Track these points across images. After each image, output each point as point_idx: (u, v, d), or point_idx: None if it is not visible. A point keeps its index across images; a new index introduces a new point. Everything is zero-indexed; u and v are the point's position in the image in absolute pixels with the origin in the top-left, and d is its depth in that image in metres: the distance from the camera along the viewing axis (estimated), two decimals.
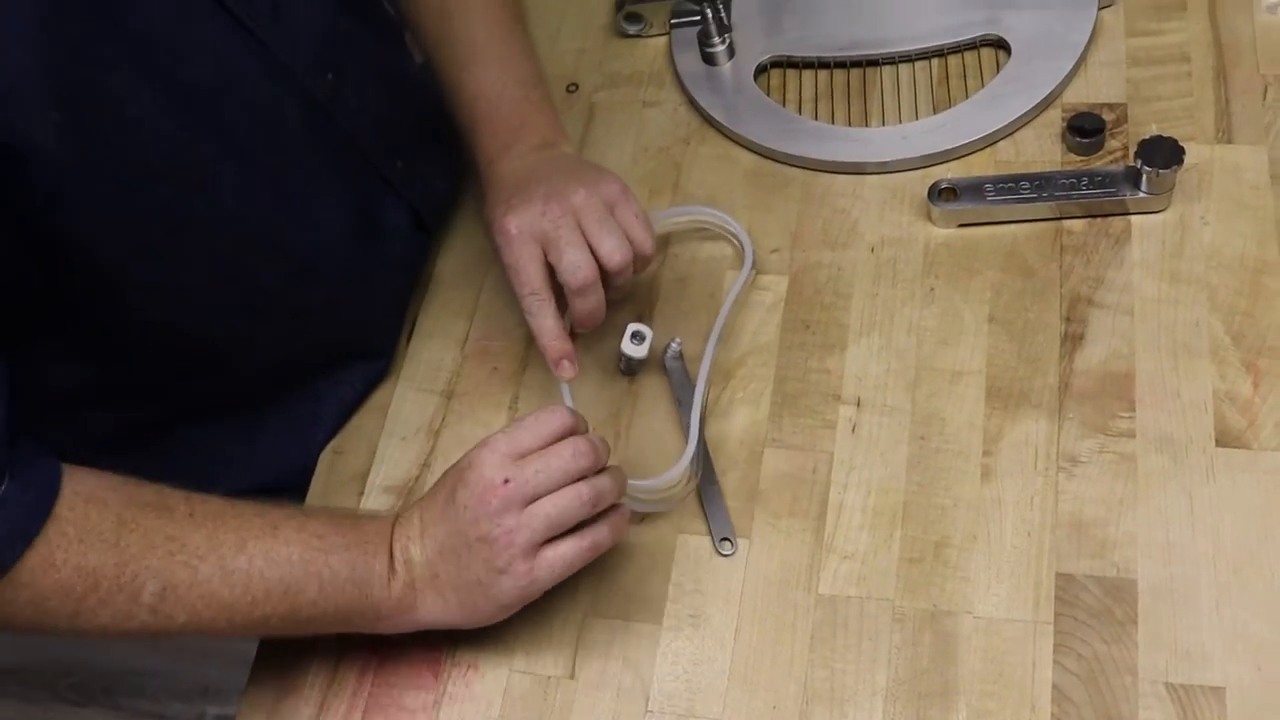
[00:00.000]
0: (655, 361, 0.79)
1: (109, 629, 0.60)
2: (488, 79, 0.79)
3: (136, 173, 0.62)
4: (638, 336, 0.77)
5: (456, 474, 0.66)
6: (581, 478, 0.65)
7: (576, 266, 0.72)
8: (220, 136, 0.66)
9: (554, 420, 0.66)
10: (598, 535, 0.66)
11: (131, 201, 0.63)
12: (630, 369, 0.80)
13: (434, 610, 0.66)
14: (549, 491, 0.64)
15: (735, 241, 0.83)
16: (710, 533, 0.73)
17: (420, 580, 0.66)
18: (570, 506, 0.65)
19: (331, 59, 0.73)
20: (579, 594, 0.72)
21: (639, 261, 0.75)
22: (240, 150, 0.67)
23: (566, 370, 0.74)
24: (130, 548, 0.60)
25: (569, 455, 0.65)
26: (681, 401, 0.78)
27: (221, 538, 0.63)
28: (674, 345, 0.79)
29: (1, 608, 0.58)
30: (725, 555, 0.72)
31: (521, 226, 0.73)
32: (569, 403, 0.76)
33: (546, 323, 0.73)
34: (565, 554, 0.65)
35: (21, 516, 0.57)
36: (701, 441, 0.75)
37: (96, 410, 0.74)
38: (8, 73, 0.55)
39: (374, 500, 0.79)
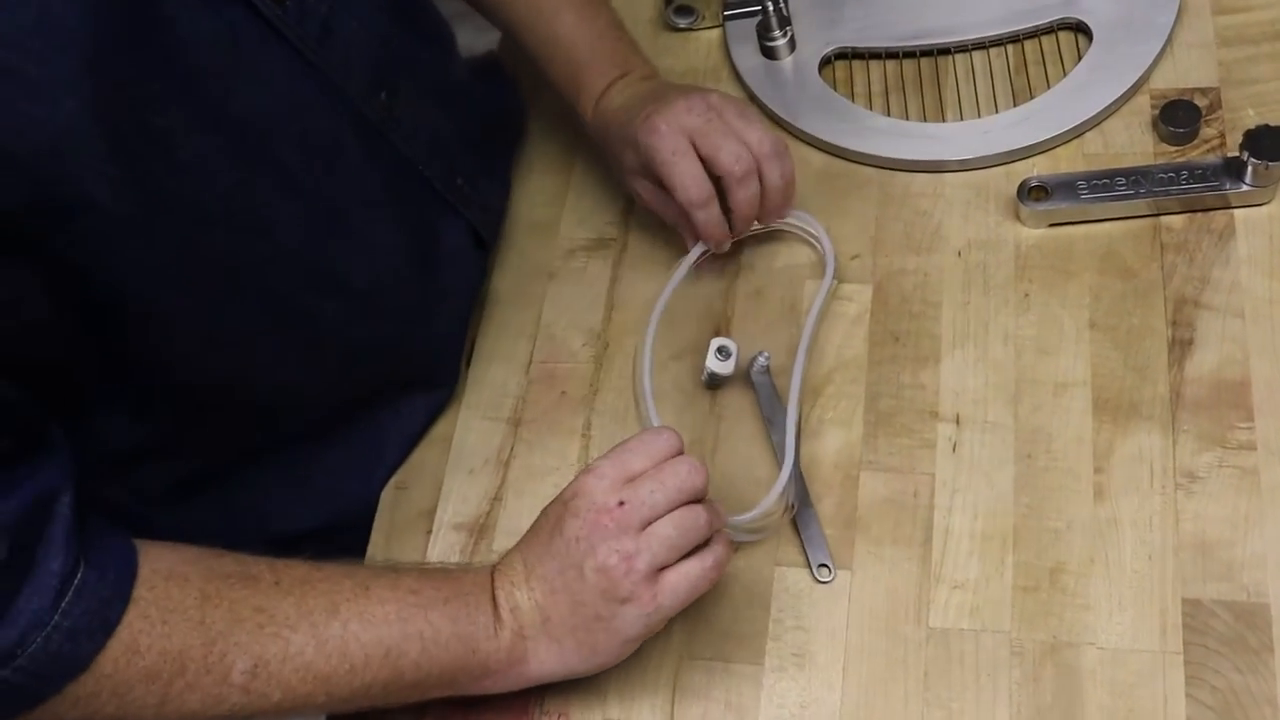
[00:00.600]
0: (739, 375, 0.75)
1: (199, 714, 0.56)
2: (581, 25, 0.80)
3: (192, 220, 0.57)
4: (723, 352, 0.73)
5: (560, 505, 0.62)
6: (695, 499, 0.61)
7: (738, 155, 0.72)
8: (276, 172, 0.61)
9: (661, 441, 0.62)
10: (718, 554, 0.62)
11: (187, 251, 0.58)
12: (714, 384, 0.76)
13: (548, 660, 0.62)
14: (666, 512, 0.60)
15: (816, 247, 0.79)
16: (808, 563, 0.69)
17: (530, 627, 0.62)
18: (691, 526, 0.60)
19: (384, 77, 0.68)
20: (672, 635, 0.68)
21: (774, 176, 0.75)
22: (297, 184, 0.63)
23: (728, 244, 0.77)
24: (216, 624, 0.56)
25: (685, 473, 0.61)
26: (771, 420, 0.73)
27: (311, 604, 0.58)
28: (761, 359, 0.75)
29: (85, 701, 0.53)
30: (824, 582, 0.69)
31: (670, 123, 0.73)
32: (656, 423, 0.72)
33: (714, 213, 0.74)
34: (690, 573, 0.61)
35: (100, 604, 0.53)
36: (796, 466, 0.71)
37: (154, 464, 0.69)
38: (58, 123, 0.49)
39: (443, 539, 0.75)
